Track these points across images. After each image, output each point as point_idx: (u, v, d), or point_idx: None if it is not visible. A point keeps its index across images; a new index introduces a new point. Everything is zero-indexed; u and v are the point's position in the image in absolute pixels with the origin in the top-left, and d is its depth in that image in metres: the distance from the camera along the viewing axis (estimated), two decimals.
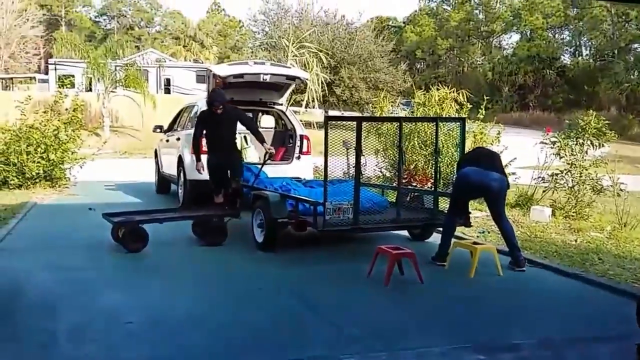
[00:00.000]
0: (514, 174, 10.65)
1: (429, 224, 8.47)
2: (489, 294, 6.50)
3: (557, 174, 10.87)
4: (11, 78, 49.09)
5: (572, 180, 10.67)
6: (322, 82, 25.94)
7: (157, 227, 8.10)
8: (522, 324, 5.55)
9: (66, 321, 5.20)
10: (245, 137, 11.15)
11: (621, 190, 10.32)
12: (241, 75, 10.25)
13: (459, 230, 8.23)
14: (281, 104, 11.69)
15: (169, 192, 12.94)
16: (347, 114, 35.22)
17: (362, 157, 7.54)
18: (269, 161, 9.82)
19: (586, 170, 10.56)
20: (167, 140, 12.66)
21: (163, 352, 4.67)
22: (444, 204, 8.33)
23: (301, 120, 13.13)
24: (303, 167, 10.98)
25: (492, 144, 12.19)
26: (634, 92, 42.67)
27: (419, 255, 6.80)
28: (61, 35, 62.97)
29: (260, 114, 11.98)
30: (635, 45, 48.70)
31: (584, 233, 9.28)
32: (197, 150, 9.01)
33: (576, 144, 10.78)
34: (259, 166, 9.60)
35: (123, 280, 6.64)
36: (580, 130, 10.80)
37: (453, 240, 7.52)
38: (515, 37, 66.15)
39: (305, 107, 27.06)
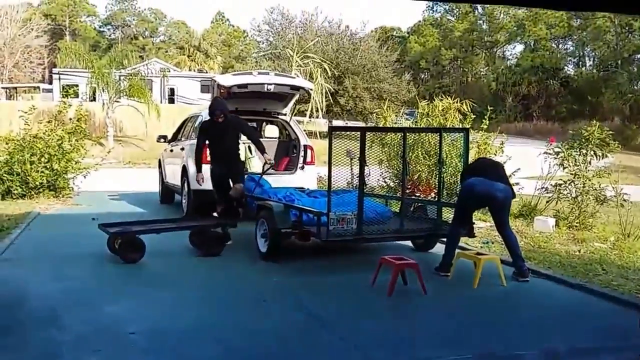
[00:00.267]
0: (517, 184, 10.65)
1: (433, 234, 8.46)
2: (492, 305, 6.49)
3: (560, 185, 10.86)
4: (15, 88, 49.33)
5: (575, 190, 10.66)
6: (326, 92, 26.02)
7: (158, 238, 8.12)
8: (525, 335, 5.54)
9: (69, 331, 5.19)
10: (249, 147, 11.16)
11: (624, 200, 10.31)
12: (245, 85, 10.29)
13: (463, 241, 8.22)
14: (285, 114, 11.72)
15: (173, 202, 12.95)
16: (351, 123, 35.28)
17: (365, 167, 7.55)
18: (272, 171, 9.88)
19: (589, 180, 10.56)
20: (171, 150, 12.68)
21: None
22: (448, 215, 8.33)
23: (305, 130, 13.16)
24: (307, 177, 10.98)
25: (495, 154, 12.21)
26: (638, 102, 42.66)
27: (423, 265, 6.78)
28: (65, 45, 63.30)
29: (264, 123, 12.01)
30: (639, 56, 48.75)
31: (587, 243, 9.26)
32: (198, 161, 9.00)
33: (579, 155, 10.78)
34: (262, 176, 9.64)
35: (126, 290, 6.62)
36: (583, 140, 10.80)
37: (457, 250, 7.52)
38: (519, 47, 66.43)
39: (309, 117, 27.12)
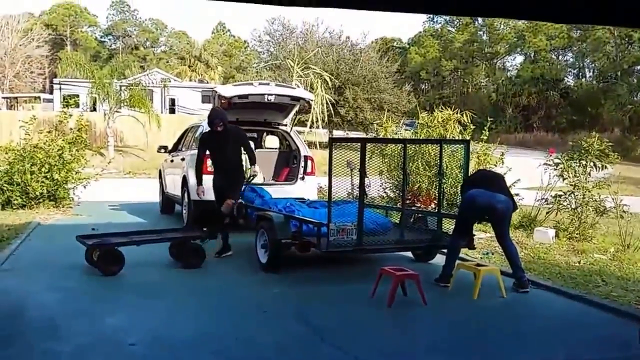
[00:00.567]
0: (517, 195, 10.64)
1: (433, 245, 8.46)
2: (492, 316, 6.49)
3: (560, 196, 10.87)
4: (16, 97, 49.43)
5: (575, 201, 10.67)
6: (326, 103, 26.07)
7: (156, 248, 8.18)
8: (525, 346, 5.54)
9: (69, 342, 5.18)
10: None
11: (624, 211, 10.31)
12: (246, 96, 10.31)
13: (463, 252, 8.22)
14: (285, 125, 11.74)
15: (173, 212, 12.95)
16: (351, 134, 35.36)
17: (366, 178, 7.56)
18: (272, 182, 9.95)
19: (589, 191, 10.57)
20: (172, 161, 12.70)
21: None
22: (448, 226, 8.34)
23: (305, 141, 13.18)
24: (307, 188, 10.99)
25: (495, 165, 12.22)
26: (637, 113, 42.75)
27: (423, 276, 6.79)
28: (66, 55, 63.45)
29: (264, 134, 12.04)
30: (639, 67, 48.88)
31: (587, 255, 9.27)
32: (199, 173, 8.95)
33: (579, 166, 10.79)
34: (262, 187, 9.71)
35: (126, 300, 6.62)
36: (583, 152, 10.82)
37: (457, 261, 7.52)
38: (519, 58, 66.63)
39: (310, 128, 27.16)
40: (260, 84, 10.93)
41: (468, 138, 12.17)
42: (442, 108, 13.62)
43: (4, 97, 47.67)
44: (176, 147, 12.93)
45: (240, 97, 10.27)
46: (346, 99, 35.85)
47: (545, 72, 53.57)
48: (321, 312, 6.39)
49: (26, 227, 10.71)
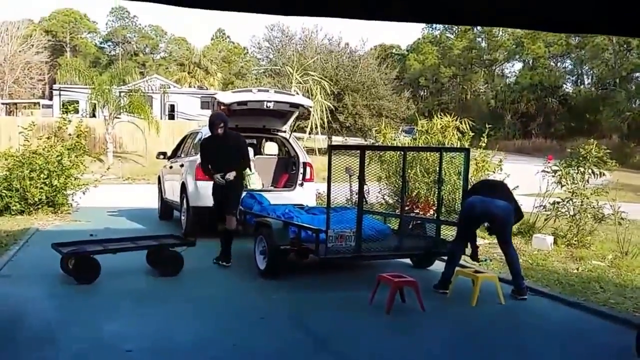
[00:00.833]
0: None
1: (431, 252, 8.47)
2: (490, 323, 6.49)
3: (558, 202, 10.88)
4: (15, 103, 49.44)
5: (573, 208, 10.68)
6: (325, 109, 26.13)
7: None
8: (523, 353, 5.55)
9: (67, 349, 5.19)
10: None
11: (622, 218, 10.32)
12: (245, 103, 10.34)
13: (462, 259, 8.22)
14: (284, 131, 11.77)
15: (172, 218, 12.96)
16: (350, 140, 35.42)
17: (366, 185, 7.58)
18: (271, 188, 9.99)
19: (587, 198, 10.58)
20: (171, 167, 12.72)
21: None
22: (446, 232, 8.35)
23: (304, 147, 13.19)
24: (306, 194, 11.01)
25: (494, 172, 12.25)
26: (636, 120, 42.81)
27: (421, 282, 6.79)
28: (66, 61, 63.54)
29: (263, 140, 12.05)
30: (637, 74, 49.05)
31: (585, 261, 9.27)
32: (208, 172, 8.75)
33: (577, 173, 10.81)
34: (261, 193, 9.76)
35: (123, 307, 6.62)
36: (581, 158, 10.84)
37: (456, 268, 7.53)
38: (518, 65, 66.86)
39: (309, 134, 27.22)
40: (259, 90, 10.96)
41: (467, 145, 12.21)
42: (440, 115, 13.66)
43: (3, 103, 47.69)
44: (175, 154, 12.95)
45: (239, 103, 10.30)
46: (345, 106, 35.93)
47: (544, 79, 53.72)
48: (319, 319, 6.39)
49: (25, 233, 10.71)
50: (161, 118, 40.04)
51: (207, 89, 53.44)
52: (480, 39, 67.27)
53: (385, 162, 12.41)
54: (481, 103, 59.98)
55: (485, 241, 10.37)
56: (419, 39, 74.94)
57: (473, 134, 13.05)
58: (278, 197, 10.25)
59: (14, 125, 26.27)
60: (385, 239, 8.09)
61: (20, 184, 12.82)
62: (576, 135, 43.33)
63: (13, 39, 52.75)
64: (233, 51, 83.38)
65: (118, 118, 29.52)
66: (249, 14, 4.48)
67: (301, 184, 11.07)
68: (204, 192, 9.21)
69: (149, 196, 15.03)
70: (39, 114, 41.67)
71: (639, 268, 8.91)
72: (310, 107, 11.67)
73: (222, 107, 10.28)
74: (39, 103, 50.55)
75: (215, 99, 10.68)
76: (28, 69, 56.39)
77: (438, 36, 72.26)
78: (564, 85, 58.62)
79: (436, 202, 8.69)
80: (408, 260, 8.91)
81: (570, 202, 10.71)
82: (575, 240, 10.44)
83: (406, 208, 10.40)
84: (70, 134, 14.30)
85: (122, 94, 29.28)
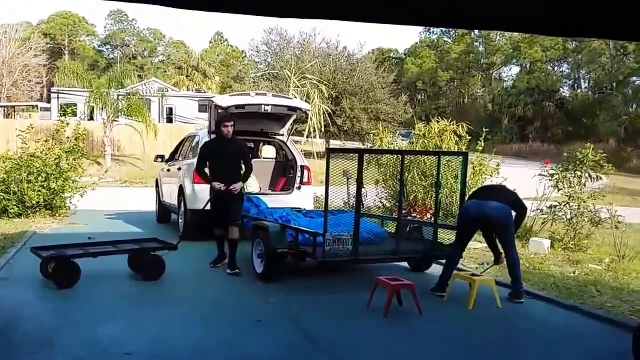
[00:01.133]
0: None
1: (429, 256, 8.49)
2: (487, 326, 6.51)
3: (555, 206, 10.92)
4: (13, 106, 49.39)
5: (570, 212, 10.72)
6: (323, 113, 26.16)
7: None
8: (519, 356, 5.57)
9: (65, 352, 5.19)
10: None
11: (619, 222, 10.35)
12: (243, 106, 10.35)
13: (460, 263, 8.24)
14: (282, 135, 11.79)
15: (170, 221, 12.97)
16: (348, 144, 35.44)
17: (363, 188, 7.60)
18: (269, 191, 10.05)
19: (584, 202, 10.62)
20: (169, 170, 12.73)
21: None
22: (444, 236, 8.38)
23: (302, 150, 13.21)
24: (304, 198, 11.02)
25: (491, 176, 12.27)
26: (633, 124, 42.92)
27: (418, 286, 6.81)
28: (64, 64, 63.48)
29: (261, 144, 12.08)
30: (634, 79, 49.13)
31: (582, 265, 9.30)
32: (205, 177, 8.56)
33: (574, 177, 10.85)
34: (259, 196, 9.78)
35: (121, 310, 6.63)
36: (578, 163, 10.88)
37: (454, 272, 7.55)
38: (515, 69, 66.99)
39: (307, 137, 27.24)
40: (257, 94, 11.00)
41: (464, 149, 12.25)
42: (438, 119, 13.70)
43: (1, 106, 47.64)
44: (173, 157, 12.97)
45: (237, 107, 10.31)
46: (343, 109, 35.95)
47: (541, 83, 53.87)
48: (317, 322, 6.40)
49: (22, 236, 10.70)
50: (159, 121, 40.06)
51: (205, 92, 53.45)
52: (477, 44, 67.47)
53: (383, 166, 12.43)
54: (479, 107, 60.10)
55: (482, 245, 10.38)
56: (417, 43, 75.14)
57: (470, 137, 13.09)
58: (276, 201, 10.27)
59: (12, 128, 26.26)
60: (382, 243, 8.11)
61: (18, 187, 12.81)
62: (573, 139, 43.38)
63: (11, 41, 52.72)
64: (231, 55, 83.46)
65: (116, 121, 29.52)
66: (246, 16, 4.49)
67: (299, 188, 11.09)
68: (201, 195, 9.18)
69: (147, 199, 15.03)
70: (37, 117, 41.70)
71: (635, 272, 8.95)
72: (308, 110, 11.70)
73: (220, 111, 10.31)
74: (37, 106, 50.53)
75: (213, 102, 10.69)
76: (26, 72, 56.34)
77: (436, 40, 72.43)
78: (561, 90, 58.83)
79: (434, 206, 8.70)
80: (406, 264, 8.93)
81: (567, 206, 10.75)
82: (572, 244, 10.47)
83: (404, 212, 10.44)
84: (68, 137, 14.30)
85: (121, 97, 29.27)
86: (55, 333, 5.67)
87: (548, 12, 4.62)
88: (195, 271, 8.49)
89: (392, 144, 14.98)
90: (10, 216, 12.72)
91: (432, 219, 8.95)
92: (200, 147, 9.33)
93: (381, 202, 12.45)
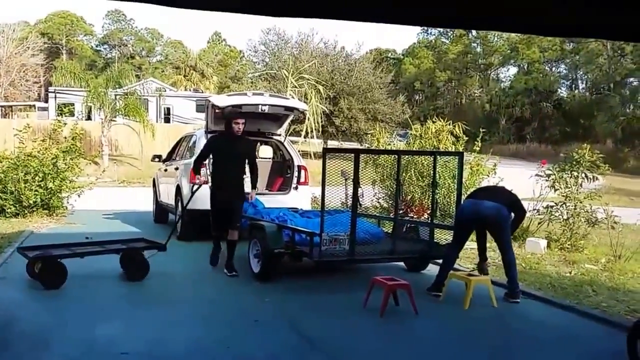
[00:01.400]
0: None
1: (425, 256, 8.50)
2: (482, 326, 6.52)
3: (552, 206, 10.94)
4: (11, 106, 49.34)
5: (567, 212, 10.74)
6: (320, 113, 26.17)
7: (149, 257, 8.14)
8: (514, 356, 5.60)
9: (60, 351, 5.20)
10: None
11: (615, 222, 10.37)
12: (239, 106, 10.32)
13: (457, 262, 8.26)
14: (279, 135, 11.79)
15: (167, 221, 12.96)
16: (346, 144, 35.46)
17: (360, 188, 7.61)
18: (266, 191, 10.08)
19: (581, 202, 10.65)
20: (166, 170, 12.73)
21: None
22: (440, 236, 8.39)
23: (300, 151, 13.22)
24: (301, 198, 11.04)
25: (488, 176, 12.30)
26: (630, 125, 43.00)
27: (415, 286, 6.82)
28: (61, 64, 63.41)
29: (258, 144, 12.07)
30: (631, 79, 49.25)
31: (578, 265, 9.32)
32: (196, 170, 8.50)
33: (570, 177, 10.87)
34: (256, 196, 9.77)
35: (118, 310, 6.64)
36: (574, 163, 10.90)
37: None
38: (513, 70, 67.09)
39: (304, 137, 27.25)
40: (254, 94, 11.00)
41: (461, 149, 12.27)
42: (435, 119, 13.72)
43: None
44: (170, 157, 12.96)
45: (234, 107, 10.29)
46: (341, 109, 35.97)
47: (539, 84, 53.95)
48: (313, 322, 6.41)
49: (19, 236, 10.70)
50: (157, 121, 40.04)
51: (202, 92, 53.43)
52: (475, 44, 67.53)
53: (380, 166, 12.46)
54: (476, 107, 60.17)
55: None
56: (415, 43, 75.22)
57: (467, 138, 13.12)
58: (272, 201, 10.27)
59: (9, 127, 26.22)
60: (378, 243, 8.12)
61: (15, 186, 12.80)
62: (571, 140, 43.48)
63: (9, 41, 52.66)
64: (229, 54, 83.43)
65: (114, 121, 29.50)
66: (244, 16, 4.50)
67: (296, 188, 11.09)
68: (199, 195, 9.19)
69: (145, 199, 15.03)
70: (34, 117, 41.66)
71: (631, 271, 8.98)
72: (305, 110, 11.71)
73: (217, 110, 10.31)
74: (34, 106, 50.50)
75: (210, 102, 10.68)
76: (24, 72, 56.27)
77: (433, 41, 72.48)
78: (559, 90, 58.95)
79: (431, 207, 8.72)
80: (402, 264, 8.94)
81: (564, 206, 10.77)
82: (568, 244, 10.50)
83: (400, 211, 10.45)
84: (65, 137, 14.29)
85: (118, 96, 29.26)
86: (51, 333, 5.68)
87: (545, 12, 4.64)
88: (191, 271, 8.50)
89: (390, 144, 15.00)
90: (7, 216, 12.71)
91: (429, 219, 8.96)
92: (207, 140, 9.09)
93: (378, 202, 12.48)
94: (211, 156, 8.50)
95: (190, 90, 55.78)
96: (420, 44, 73.88)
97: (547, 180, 11.16)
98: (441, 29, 66.86)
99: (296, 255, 7.80)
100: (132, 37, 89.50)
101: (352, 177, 7.50)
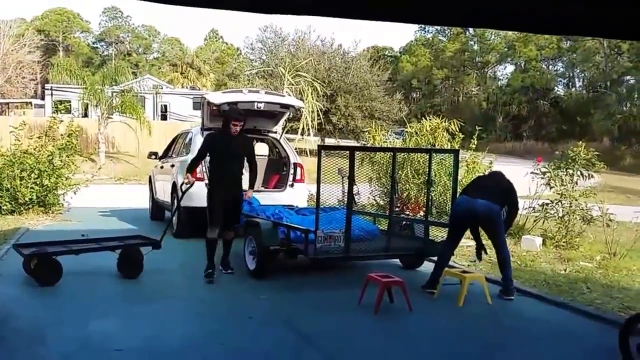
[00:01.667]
0: None
1: (420, 253, 8.51)
2: (476, 323, 6.53)
3: (547, 204, 10.96)
4: (7, 103, 49.24)
5: (562, 210, 10.77)
6: (317, 111, 26.17)
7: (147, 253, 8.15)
8: (508, 352, 5.61)
9: (55, 348, 5.21)
10: None
11: (610, 220, 10.40)
12: (235, 103, 10.32)
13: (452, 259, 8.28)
14: (275, 132, 11.80)
15: (164, 219, 12.96)
16: (342, 142, 35.46)
17: (356, 186, 7.62)
18: (262, 188, 10.03)
19: (576, 200, 10.67)
20: (162, 167, 12.73)
21: None
22: (435, 233, 8.41)
23: (296, 148, 13.23)
24: (297, 195, 11.04)
25: (484, 173, 12.29)
26: (627, 123, 43.06)
27: (409, 283, 6.85)
28: (58, 61, 63.34)
29: (254, 141, 12.07)
30: (628, 77, 49.28)
31: (573, 262, 9.35)
32: (191, 168, 8.18)
33: (566, 175, 10.89)
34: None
35: (113, 306, 6.64)
36: (570, 160, 10.92)
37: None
38: (510, 68, 67.06)
39: (301, 135, 27.24)
40: (249, 91, 10.99)
41: (457, 147, 12.29)
42: (430, 117, 13.73)
43: None
44: (166, 154, 12.96)
45: (229, 104, 10.28)
46: (338, 107, 35.96)
47: (536, 82, 53.95)
48: (308, 319, 6.43)
49: (15, 233, 10.70)
50: (154, 118, 39.97)
51: (199, 89, 53.37)
52: (472, 42, 67.49)
53: (376, 164, 12.47)
54: (473, 105, 60.17)
55: (475, 242, 10.43)
56: (412, 41, 75.16)
57: (463, 135, 13.14)
58: (268, 198, 10.28)
59: (5, 124, 26.12)
60: (373, 240, 8.14)
61: (11, 183, 12.80)
62: (567, 138, 43.48)
63: (5, 38, 52.49)
64: (226, 52, 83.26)
65: (110, 118, 29.48)
66: (241, 14, 4.49)
67: (292, 185, 11.10)
68: (195, 192, 9.16)
69: (141, 196, 15.02)
70: (31, 114, 41.56)
71: (626, 269, 9.02)
72: (301, 107, 11.70)
73: (213, 108, 10.31)
74: (31, 103, 50.40)
75: (205, 99, 10.67)
76: (20, 69, 56.11)
77: (430, 39, 72.45)
78: (556, 88, 58.94)
79: (425, 204, 8.73)
80: (398, 261, 8.95)
81: (559, 203, 10.79)
82: (563, 242, 10.52)
83: (397, 209, 10.46)
84: (62, 134, 14.28)
85: (115, 94, 29.22)
86: (46, 329, 5.69)
87: (542, 10, 4.65)
88: (186, 268, 8.50)
89: (385, 141, 15.01)
90: (3, 213, 12.71)
91: (424, 216, 8.98)
92: (204, 138, 8.83)
93: (375, 200, 12.50)
94: (208, 154, 8.26)
95: (187, 87, 55.73)
96: (417, 41, 73.85)
97: (542, 178, 11.18)
98: (438, 27, 66.86)
99: (291, 252, 7.80)
100: (129, 34, 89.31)
101: (348, 175, 7.51)
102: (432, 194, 11.01)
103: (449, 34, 68.31)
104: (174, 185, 11.07)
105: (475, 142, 13.05)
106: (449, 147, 12.34)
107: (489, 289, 7.12)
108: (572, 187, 10.82)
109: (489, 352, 5.66)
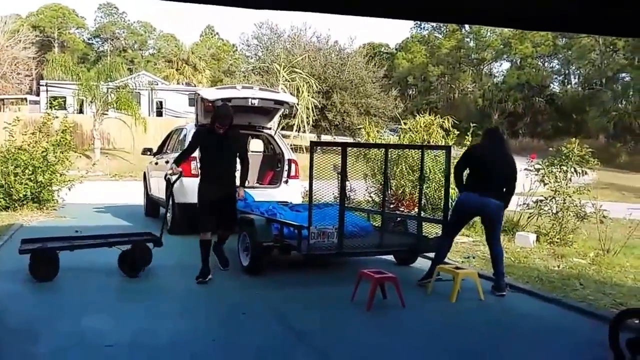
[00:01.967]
0: None
1: (413, 249, 8.53)
2: (469, 319, 6.54)
3: (541, 201, 10.98)
4: (2, 99, 49.10)
5: (556, 206, 10.79)
6: (312, 107, 26.16)
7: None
8: (500, 348, 5.62)
9: (47, 344, 5.20)
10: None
11: (604, 217, 10.42)
12: (229, 100, 10.29)
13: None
14: (270, 128, 11.79)
15: (158, 215, 12.94)
16: (338, 139, 35.46)
17: (350, 182, 7.62)
18: (256, 185, 9.97)
19: (570, 197, 10.69)
20: (156, 163, 12.71)
21: None
22: (429, 230, 8.42)
23: (292, 145, 13.23)
24: (291, 191, 11.04)
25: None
26: (622, 120, 43.16)
27: (403, 279, 6.85)
28: (53, 57, 63.15)
29: (248, 137, 12.07)
30: (623, 75, 49.40)
31: (567, 259, 9.37)
32: (179, 162, 7.85)
33: (560, 171, 10.91)
34: (246, 190, 9.76)
35: (106, 303, 6.63)
36: (563, 157, 10.95)
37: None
38: (506, 65, 67.13)
39: (297, 131, 27.22)
40: (243, 87, 10.99)
41: (451, 143, 12.30)
42: (425, 114, 13.75)
43: None
44: (161, 150, 12.94)
45: (223, 100, 10.27)
46: (334, 104, 35.97)
47: (531, 79, 54.08)
48: (301, 315, 6.43)
49: (9, 229, 10.68)
50: (149, 115, 39.96)
51: (195, 86, 53.31)
52: (468, 39, 67.55)
53: (370, 160, 12.47)
54: (469, 102, 60.25)
55: (469, 239, 10.47)
56: (408, 38, 75.14)
57: (459, 132, 13.15)
58: (263, 194, 10.28)
59: (0, 121, 26.12)
60: (367, 236, 8.15)
61: (5, 179, 12.77)
62: (563, 134, 43.62)
63: (0, 34, 52.36)
64: (222, 48, 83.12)
65: (106, 114, 29.42)
66: (237, 10, 4.50)
67: (286, 181, 11.11)
68: (189, 189, 9.13)
69: (136, 193, 15.01)
70: (26, 110, 41.46)
71: (619, 265, 9.04)
72: (295, 104, 11.70)
73: (207, 104, 10.30)
74: (26, 99, 50.27)
75: (199, 95, 10.66)
76: (15, 65, 55.89)
77: (426, 35, 72.47)
78: (551, 85, 59.11)
79: (418, 200, 8.74)
80: (392, 258, 8.97)
81: (553, 200, 10.82)
82: (557, 238, 10.55)
83: (391, 205, 10.47)
84: (56, 130, 14.25)
85: (110, 90, 29.17)
86: (40, 324, 5.69)
87: (539, 7, 4.66)
88: (180, 264, 8.49)
89: (381, 138, 15.02)
90: None
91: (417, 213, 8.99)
92: (192, 135, 8.72)
93: (370, 196, 12.51)
94: (198, 150, 8.07)
95: (182, 84, 55.66)
96: (413, 38, 73.87)
97: (536, 175, 11.20)
98: (434, 24, 66.91)
99: (285, 248, 7.81)
100: (125, 30, 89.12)
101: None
102: (427, 190, 11.05)
103: (444, 31, 68.38)
104: (169, 181, 11.04)
105: (470, 139, 13.07)
106: (443, 144, 12.35)
107: (482, 285, 7.13)
108: (566, 184, 10.84)
109: (482, 348, 5.66)
